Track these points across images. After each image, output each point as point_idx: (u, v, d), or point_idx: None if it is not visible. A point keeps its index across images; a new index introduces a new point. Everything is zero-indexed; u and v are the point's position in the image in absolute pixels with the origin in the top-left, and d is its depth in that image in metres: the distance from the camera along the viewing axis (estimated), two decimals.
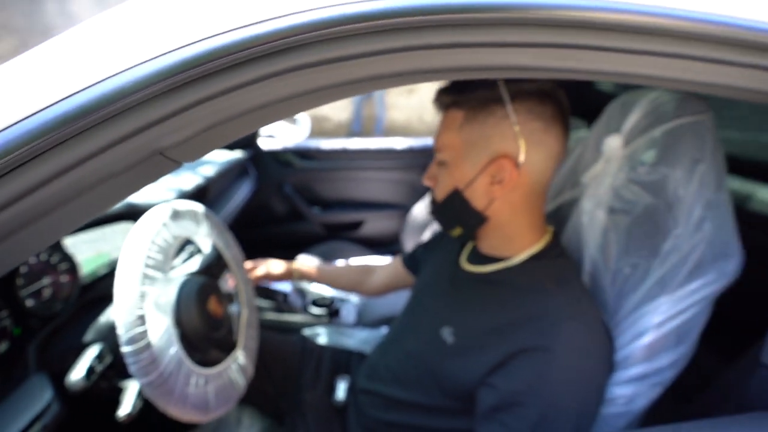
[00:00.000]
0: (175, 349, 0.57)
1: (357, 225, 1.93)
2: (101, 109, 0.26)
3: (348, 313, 1.27)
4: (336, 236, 1.92)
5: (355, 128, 4.86)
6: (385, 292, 1.05)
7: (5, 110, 0.27)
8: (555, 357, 0.54)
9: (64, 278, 0.72)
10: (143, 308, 0.54)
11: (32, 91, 0.29)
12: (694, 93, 0.62)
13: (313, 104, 0.32)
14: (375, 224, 1.93)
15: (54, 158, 0.27)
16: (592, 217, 0.71)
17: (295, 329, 1.12)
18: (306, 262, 1.07)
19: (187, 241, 0.83)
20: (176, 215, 0.69)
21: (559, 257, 0.65)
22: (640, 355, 0.59)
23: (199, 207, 0.78)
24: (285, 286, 1.30)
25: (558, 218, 0.84)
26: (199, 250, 0.83)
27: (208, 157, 1.47)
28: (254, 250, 1.12)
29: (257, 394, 0.89)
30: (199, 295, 0.68)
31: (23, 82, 0.30)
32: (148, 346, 0.53)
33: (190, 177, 1.22)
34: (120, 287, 0.54)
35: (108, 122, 0.26)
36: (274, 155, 1.81)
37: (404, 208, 1.86)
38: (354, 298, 1.35)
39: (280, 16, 0.27)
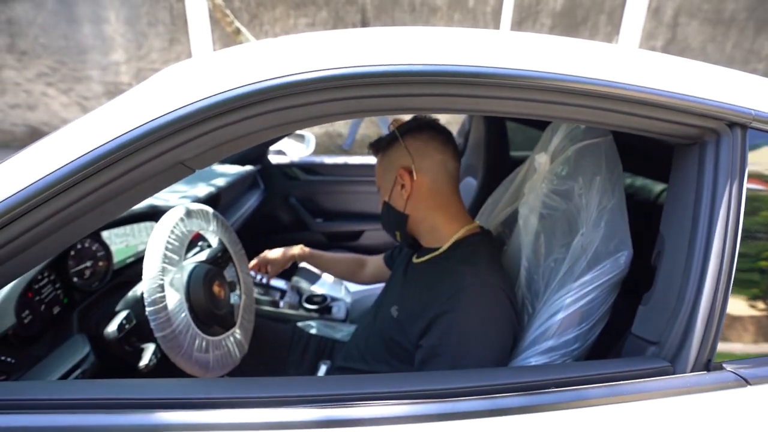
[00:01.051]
0: (185, 314, 0.74)
1: (356, 235, 2.09)
2: (147, 138, 0.43)
3: (338, 311, 1.43)
4: (337, 245, 2.08)
5: (345, 146, 5.04)
6: (373, 282, 1.25)
7: (84, 142, 0.45)
8: (458, 314, 0.70)
9: (101, 263, 0.90)
10: (163, 280, 0.71)
11: (98, 128, 0.46)
12: None
13: (281, 133, 0.49)
14: (373, 234, 2.09)
15: (114, 169, 0.44)
16: (527, 222, 0.86)
17: (289, 320, 1.28)
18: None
19: (200, 238, 1.01)
20: (190, 213, 0.87)
21: (477, 243, 0.81)
22: (553, 330, 0.72)
23: (209, 209, 0.96)
24: (282, 284, 1.47)
25: (510, 223, 0.99)
26: (208, 245, 1.00)
27: (221, 170, 1.67)
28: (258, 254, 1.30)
29: (250, 372, 1.04)
30: (205, 278, 0.85)
31: (93, 124, 0.48)
32: (165, 308, 0.69)
33: (203, 187, 1.41)
34: (147, 261, 0.71)
35: (150, 146, 0.44)
36: (281, 169, 2.00)
37: None
38: (346, 298, 1.50)
39: (261, 81, 0.45)
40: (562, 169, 0.78)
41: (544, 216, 0.83)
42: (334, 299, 1.47)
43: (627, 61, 0.56)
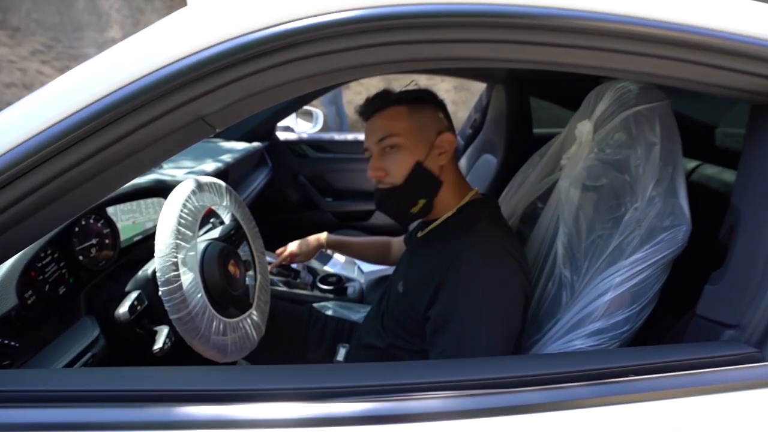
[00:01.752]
0: (201, 295, 0.68)
1: (367, 215, 2.03)
2: (162, 87, 0.36)
3: (353, 291, 1.38)
4: (347, 225, 2.02)
5: (343, 127, 4.89)
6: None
7: (92, 89, 0.38)
8: (461, 278, 0.68)
9: (108, 241, 0.84)
10: (177, 258, 0.65)
11: (108, 74, 0.39)
12: (654, 83, 0.70)
13: (321, 85, 0.42)
14: (384, 214, 2.03)
15: (126, 123, 0.37)
16: (568, 194, 0.79)
17: (304, 301, 1.23)
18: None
19: (211, 214, 0.95)
20: (202, 187, 0.80)
21: (477, 207, 0.78)
22: (600, 312, 0.67)
23: (221, 182, 0.89)
24: (295, 264, 1.41)
25: (544, 197, 0.92)
26: (221, 222, 0.94)
27: (227, 146, 1.59)
28: (268, 235, 1.24)
29: (266, 353, 1.00)
30: (220, 256, 0.79)
31: (102, 69, 0.41)
32: (180, 287, 0.64)
33: (211, 163, 1.34)
34: (159, 237, 0.65)
35: (166, 96, 0.37)
36: (289, 146, 1.93)
37: None
38: (359, 278, 1.45)
39: (288, 21, 0.38)
40: (613, 138, 0.71)
41: (588, 188, 0.76)
42: (348, 280, 1.42)
43: (705, 2, 0.48)
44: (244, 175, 1.64)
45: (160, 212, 0.70)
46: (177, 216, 0.67)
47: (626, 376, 0.41)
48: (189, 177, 1.01)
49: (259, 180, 1.70)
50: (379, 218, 2.03)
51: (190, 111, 0.39)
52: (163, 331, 0.73)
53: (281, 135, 1.91)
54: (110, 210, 0.86)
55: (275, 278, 1.32)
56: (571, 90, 1.50)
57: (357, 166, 1.99)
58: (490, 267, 0.69)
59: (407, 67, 0.45)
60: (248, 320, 0.84)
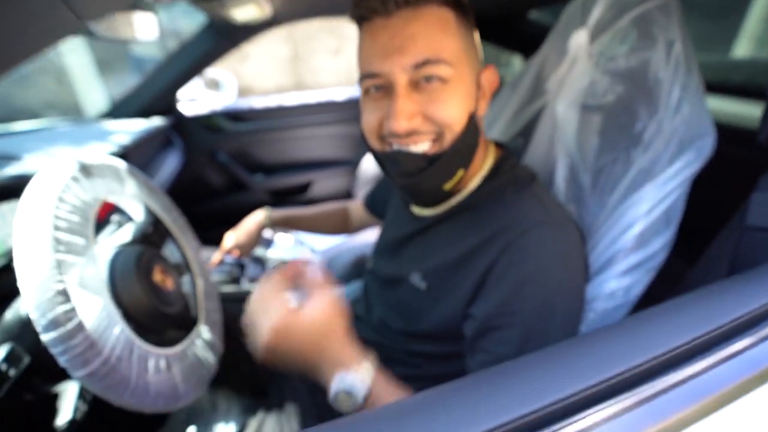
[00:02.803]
0: (119, 328, 0.45)
1: (304, 187, 1.81)
2: None
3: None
4: (284, 202, 1.79)
5: None
6: (361, 229, 1.03)
7: None
8: (527, 270, 0.48)
9: None
10: (64, 281, 0.41)
11: None
12: None
13: None
14: (324, 184, 1.83)
15: None
16: (566, 119, 0.68)
17: None
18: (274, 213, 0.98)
19: (113, 211, 0.69)
20: (89, 169, 0.54)
21: (514, 167, 0.58)
22: (632, 246, 0.58)
23: (118, 162, 0.63)
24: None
25: (527, 129, 0.81)
26: (129, 218, 0.68)
27: (120, 125, 1.25)
28: (194, 229, 0.97)
29: (229, 373, 0.79)
30: (138, 266, 0.56)
31: None
32: (80, 327, 0.40)
33: (102, 148, 1.02)
34: (25, 255, 0.40)
35: None
36: (200, 121, 1.60)
37: (352, 164, 1.77)
38: (314, 259, 1.26)
39: None
40: (622, 43, 0.60)
41: (591, 108, 0.66)
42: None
43: None
44: (149, 160, 1.31)
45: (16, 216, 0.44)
46: (51, 217, 0.43)
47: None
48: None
49: (169, 166, 1.38)
50: (319, 189, 1.83)
51: None
52: (69, 392, 0.49)
53: (186, 108, 1.57)
54: None
55: (217, 277, 1.08)
56: (500, 25, 1.40)
57: (286, 135, 1.74)
58: (566, 253, 0.50)
59: None
60: (197, 341, 0.63)
